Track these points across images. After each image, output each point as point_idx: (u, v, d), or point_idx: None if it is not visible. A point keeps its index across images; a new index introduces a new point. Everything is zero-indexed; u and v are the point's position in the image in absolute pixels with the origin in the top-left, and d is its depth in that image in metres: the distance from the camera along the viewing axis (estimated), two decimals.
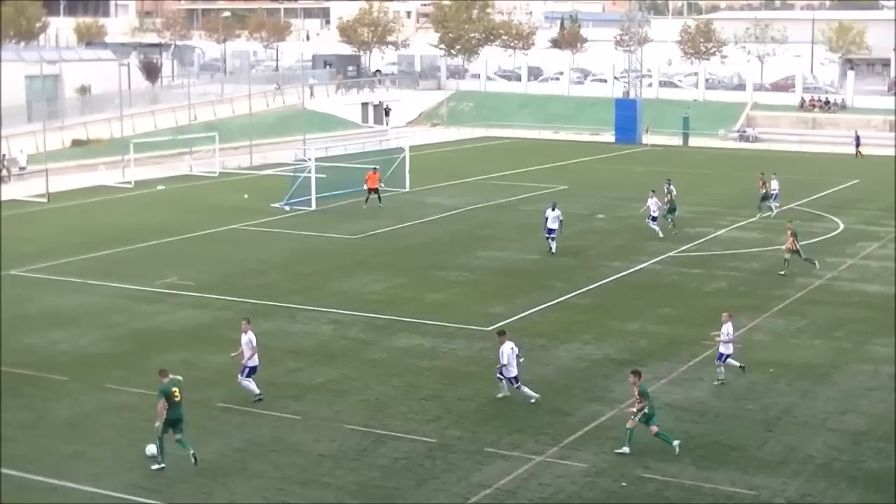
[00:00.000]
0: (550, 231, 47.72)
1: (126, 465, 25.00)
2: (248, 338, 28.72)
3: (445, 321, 37.10)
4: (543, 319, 37.70)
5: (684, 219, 55.31)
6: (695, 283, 43.46)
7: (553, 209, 47.87)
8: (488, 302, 39.83)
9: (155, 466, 24.69)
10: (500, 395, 29.45)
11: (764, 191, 58.18)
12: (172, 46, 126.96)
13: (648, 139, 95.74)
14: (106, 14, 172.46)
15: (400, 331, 36.13)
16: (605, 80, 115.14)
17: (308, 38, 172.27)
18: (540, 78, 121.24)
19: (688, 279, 43.89)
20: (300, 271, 44.99)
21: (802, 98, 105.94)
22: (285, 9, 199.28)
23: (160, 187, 67.68)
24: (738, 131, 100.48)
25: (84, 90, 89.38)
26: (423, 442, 26.47)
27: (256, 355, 28.85)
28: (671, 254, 48.17)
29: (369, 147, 74.69)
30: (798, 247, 44.31)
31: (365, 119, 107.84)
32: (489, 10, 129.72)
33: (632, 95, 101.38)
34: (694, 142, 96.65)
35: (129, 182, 68.30)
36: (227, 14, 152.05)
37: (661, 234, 51.51)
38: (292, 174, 63.04)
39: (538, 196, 63.24)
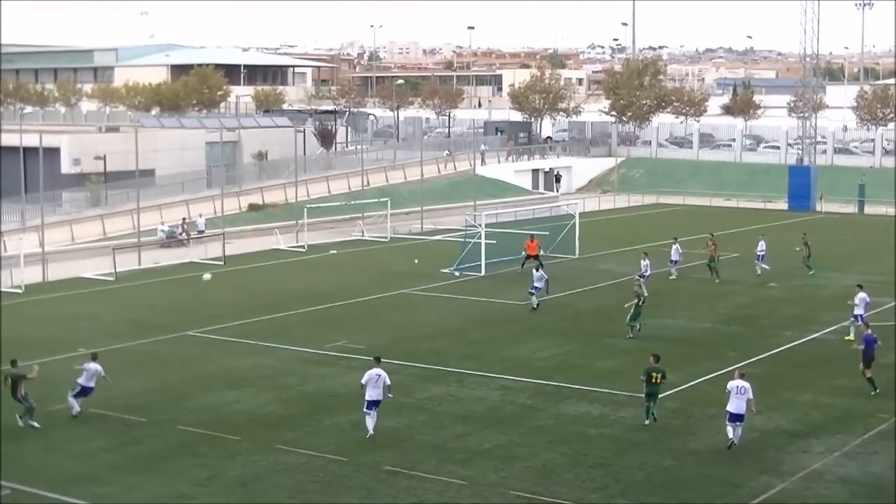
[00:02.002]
0: (535, 288, 49.86)
1: None
2: (95, 367, 32.89)
3: (615, 389, 36.87)
4: (714, 388, 37.08)
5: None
6: None
7: (537, 270, 50.42)
8: None
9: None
10: (368, 436, 30.98)
11: (807, 252, 59.88)
12: (347, 113, 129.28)
13: (823, 207, 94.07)
14: (284, 82, 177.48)
15: (568, 397, 36.03)
16: (778, 147, 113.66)
17: (480, 104, 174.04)
18: (712, 144, 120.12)
19: None
20: (470, 336, 45.23)
21: None
22: (458, 76, 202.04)
23: (333, 251, 68.89)
24: None
25: (261, 156, 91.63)
26: None
27: (94, 380, 32.71)
28: (846, 324, 47.08)
29: (539, 213, 74.82)
30: (634, 309, 44.27)
31: (535, 185, 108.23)
32: (661, 77, 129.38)
33: (805, 162, 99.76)
34: (870, 209, 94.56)
35: (303, 246, 69.70)
36: (400, 82, 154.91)
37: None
38: (462, 240, 63.53)
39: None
